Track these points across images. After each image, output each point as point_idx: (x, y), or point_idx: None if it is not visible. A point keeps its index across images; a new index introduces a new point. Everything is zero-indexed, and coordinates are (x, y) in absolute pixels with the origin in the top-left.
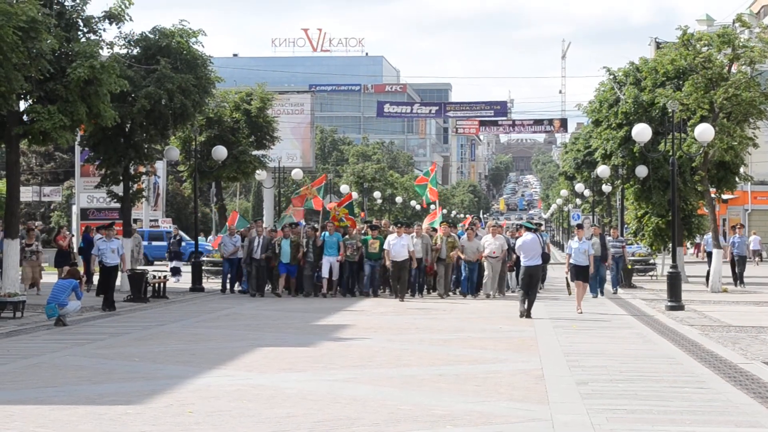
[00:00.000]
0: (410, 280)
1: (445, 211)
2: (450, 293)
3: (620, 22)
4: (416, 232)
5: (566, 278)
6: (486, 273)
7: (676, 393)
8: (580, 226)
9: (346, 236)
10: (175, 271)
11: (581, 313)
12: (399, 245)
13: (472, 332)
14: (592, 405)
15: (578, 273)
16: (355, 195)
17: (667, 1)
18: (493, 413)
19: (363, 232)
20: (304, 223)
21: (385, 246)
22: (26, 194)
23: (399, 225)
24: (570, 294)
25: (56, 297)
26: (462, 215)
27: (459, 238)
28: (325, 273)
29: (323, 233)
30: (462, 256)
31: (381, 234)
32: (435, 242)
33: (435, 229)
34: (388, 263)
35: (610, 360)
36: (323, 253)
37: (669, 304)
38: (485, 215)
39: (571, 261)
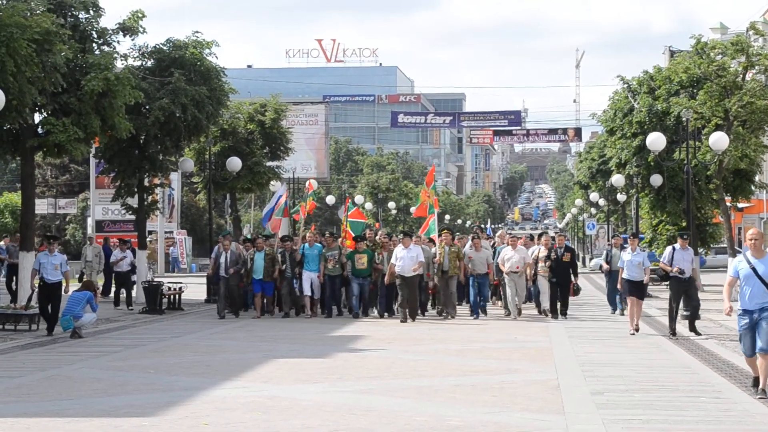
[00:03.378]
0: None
1: (459, 221)
2: (455, 312)
3: (640, 31)
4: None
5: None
6: (508, 292)
7: (692, 403)
8: (634, 235)
9: (326, 248)
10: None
11: (634, 333)
12: (408, 258)
13: (488, 342)
14: (607, 415)
15: (632, 288)
16: (369, 206)
17: (687, 10)
18: (509, 424)
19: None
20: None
21: (392, 260)
22: (41, 206)
23: (407, 235)
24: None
25: (71, 309)
26: (478, 225)
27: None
28: (306, 290)
29: (302, 245)
30: (469, 269)
31: (369, 247)
32: (435, 254)
33: (431, 240)
34: (388, 280)
35: (625, 370)
36: (303, 268)
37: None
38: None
39: (624, 275)
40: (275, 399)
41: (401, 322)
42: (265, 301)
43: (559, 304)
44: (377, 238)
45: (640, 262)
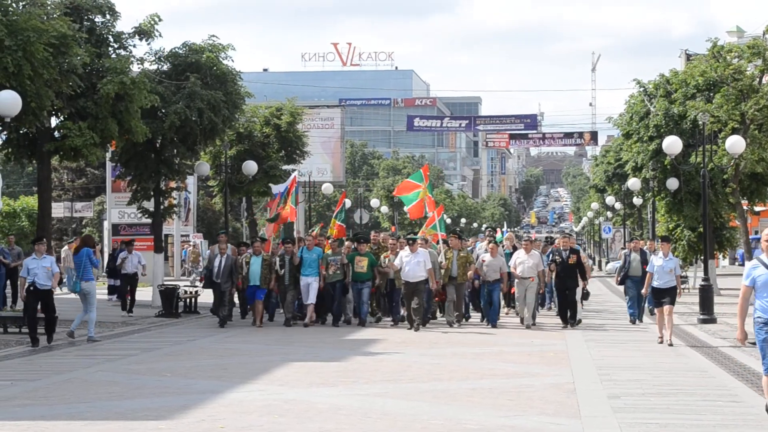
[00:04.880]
0: (426, 305)
1: (475, 224)
2: (463, 320)
3: (659, 34)
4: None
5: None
6: (517, 297)
7: (709, 407)
8: (666, 239)
9: (328, 251)
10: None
11: (663, 342)
12: (414, 263)
13: (505, 346)
14: (624, 419)
15: (661, 296)
16: (385, 209)
17: (706, 13)
18: (526, 427)
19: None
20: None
21: (396, 262)
22: (58, 210)
23: (413, 239)
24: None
25: (78, 273)
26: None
27: (471, 253)
28: (306, 299)
29: (300, 248)
30: (481, 275)
31: (372, 250)
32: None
33: (426, 241)
34: (400, 284)
35: (642, 373)
36: (301, 273)
37: (701, 317)
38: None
39: (655, 283)
40: (291, 402)
41: (409, 329)
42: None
43: (568, 311)
44: (381, 240)
45: (672, 268)
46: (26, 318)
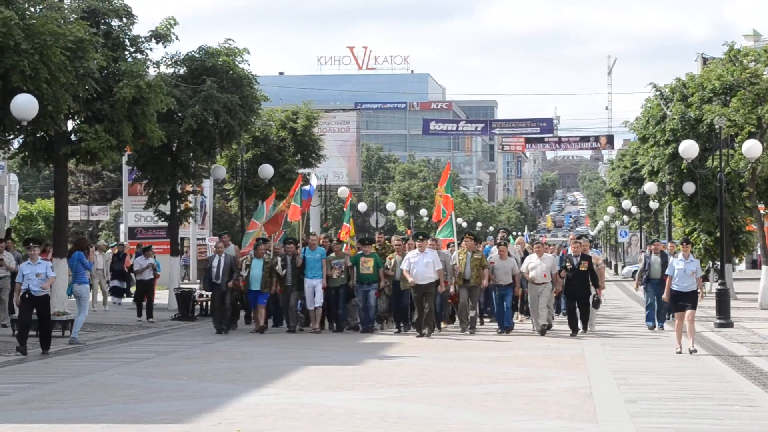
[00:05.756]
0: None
1: (491, 228)
2: (475, 325)
3: (676, 38)
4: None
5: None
6: (531, 303)
7: (726, 411)
8: (687, 241)
9: (332, 254)
10: (116, 291)
11: (683, 353)
12: (423, 264)
13: (520, 350)
14: (641, 424)
15: (682, 300)
16: (401, 213)
17: (724, 17)
18: None
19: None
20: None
21: (403, 265)
22: (74, 213)
23: (422, 237)
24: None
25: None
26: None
27: (486, 256)
28: (310, 302)
29: (303, 248)
30: (493, 278)
31: (378, 251)
32: (455, 261)
33: (436, 241)
34: (409, 285)
35: (658, 378)
36: (304, 276)
37: (718, 321)
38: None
39: (675, 286)
40: (307, 406)
41: (417, 337)
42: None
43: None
44: (387, 241)
45: (693, 270)
46: (18, 325)
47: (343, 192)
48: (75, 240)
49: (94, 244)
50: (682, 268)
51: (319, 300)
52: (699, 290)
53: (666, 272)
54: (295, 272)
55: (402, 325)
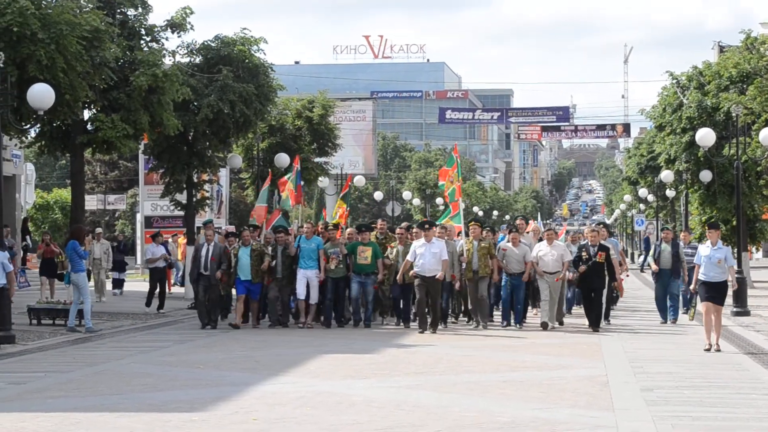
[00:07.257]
0: (443, 303)
1: (507, 216)
2: (487, 320)
3: (693, 27)
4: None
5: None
6: (543, 297)
7: (743, 400)
8: (713, 226)
9: (328, 243)
10: (118, 284)
11: (712, 349)
12: (429, 255)
13: (536, 338)
14: (657, 412)
15: (709, 291)
16: (417, 201)
17: (741, 5)
18: (558, 420)
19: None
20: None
21: (409, 256)
22: (91, 203)
23: (428, 226)
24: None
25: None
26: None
27: (497, 246)
28: (301, 294)
29: (298, 238)
30: (503, 268)
31: (378, 240)
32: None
33: (446, 229)
34: (400, 278)
35: (675, 366)
36: (298, 266)
37: (734, 309)
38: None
39: (702, 275)
40: (324, 394)
41: (419, 333)
42: (248, 305)
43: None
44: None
45: (720, 258)
46: None
47: (359, 180)
48: (72, 229)
49: (96, 236)
50: (708, 256)
51: (314, 297)
52: (732, 280)
53: (694, 261)
54: (287, 263)
55: (403, 320)
